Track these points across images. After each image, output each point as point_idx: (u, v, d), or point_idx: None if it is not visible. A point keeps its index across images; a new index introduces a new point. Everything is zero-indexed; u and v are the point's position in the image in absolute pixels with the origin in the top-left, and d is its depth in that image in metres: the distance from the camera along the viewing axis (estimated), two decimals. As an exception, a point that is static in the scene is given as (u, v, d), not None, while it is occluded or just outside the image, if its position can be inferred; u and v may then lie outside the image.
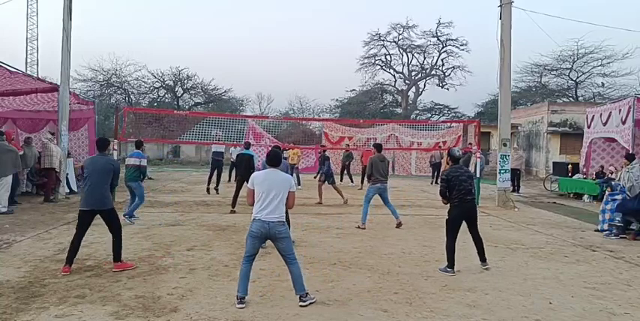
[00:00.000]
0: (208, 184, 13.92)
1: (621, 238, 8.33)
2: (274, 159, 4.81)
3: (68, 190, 12.15)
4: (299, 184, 15.14)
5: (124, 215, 8.46)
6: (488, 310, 4.51)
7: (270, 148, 12.90)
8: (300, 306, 4.46)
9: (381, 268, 5.92)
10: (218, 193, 13.61)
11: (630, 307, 4.70)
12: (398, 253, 6.79)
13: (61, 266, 5.60)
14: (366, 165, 15.68)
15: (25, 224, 8.21)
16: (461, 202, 5.84)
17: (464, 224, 6.01)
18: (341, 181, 17.08)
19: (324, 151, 15.21)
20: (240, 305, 4.40)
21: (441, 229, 8.67)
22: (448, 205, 6.02)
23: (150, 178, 17.69)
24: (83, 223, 5.66)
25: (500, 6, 12.27)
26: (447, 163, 6.26)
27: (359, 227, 8.68)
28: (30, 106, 13.34)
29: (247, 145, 10.94)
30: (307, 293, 4.58)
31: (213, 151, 14.50)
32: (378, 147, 9.35)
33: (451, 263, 5.79)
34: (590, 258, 6.81)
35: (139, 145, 9.19)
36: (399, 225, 8.82)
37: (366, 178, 10.98)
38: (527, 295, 4.99)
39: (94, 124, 16.72)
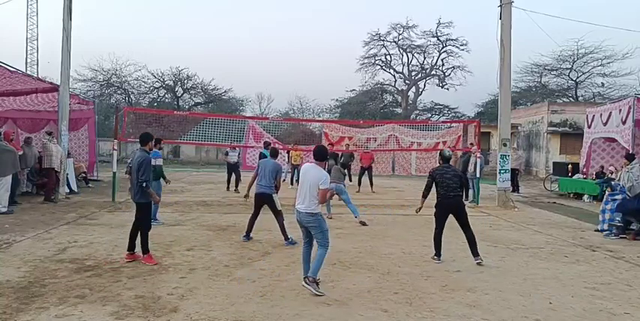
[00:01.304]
0: (228, 184, 15.06)
1: (621, 238, 8.32)
2: (317, 154, 5.14)
3: (68, 190, 12.15)
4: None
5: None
6: (488, 310, 4.51)
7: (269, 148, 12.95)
8: (303, 286, 4.76)
9: (381, 268, 5.92)
10: (239, 193, 14.27)
11: (630, 307, 4.71)
12: (398, 253, 6.79)
13: (61, 266, 5.62)
14: (363, 166, 15.80)
15: (25, 224, 8.21)
16: (443, 198, 6.36)
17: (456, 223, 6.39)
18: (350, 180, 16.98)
19: (332, 150, 15.32)
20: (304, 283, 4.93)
21: (441, 229, 8.71)
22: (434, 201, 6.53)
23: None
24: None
25: (500, 6, 12.26)
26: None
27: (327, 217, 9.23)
28: (30, 106, 13.35)
29: (273, 153, 8.73)
30: (314, 280, 4.79)
31: (227, 161, 15.33)
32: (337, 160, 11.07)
33: (437, 252, 6.39)
34: (590, 258, 6.81)
35: (155, 143, 8.95)
36: (362, 223, 9.09)
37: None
38: (527, 295, 4.99)
39: (94, 124, 16.75)
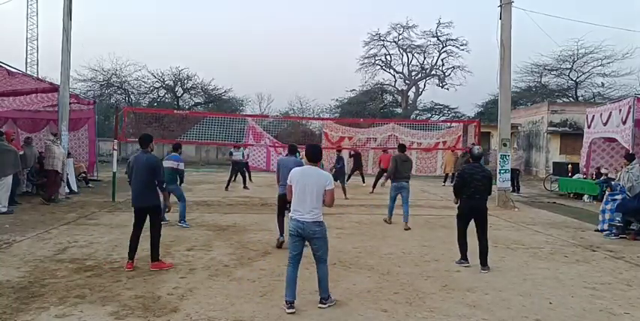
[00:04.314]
0: (228, 184, 15.11)
1: (621, 238, 8.32)
2: (314, 154, 4.66)
3: (68, 190, 12.14)
4: None
5: (179, 222, 8.47)
6: (488, 310, 4.51)
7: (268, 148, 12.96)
8: (319, 307, 4.45)
9: (381, 268, 5.92)
10: (248, 189, 15.01)
11: (630, 307, 4.71)
12: (398, 253, 6.79)
13: (61, 266, 5.62)
14: (383, 168, 15.53)
15: (25, 224, 8.21)
16: (468, 198, 6.10)
17: (472, 225, 6.16)
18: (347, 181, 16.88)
19: (340, 151, 15.17)
20: (290, 310, 4.29)
21: (442, 228, 8.73)
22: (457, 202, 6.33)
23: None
24: (136, 219, 5.79)
25: (500, 6, 12.26)
26: (468, 161, 6.58)
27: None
28: (30, 106, 13.36)
29: (292, 149, 7.83)
30: (329, 296, 4.54)
31: (232, 160, 15.62)
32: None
33: (463, 255, 6.16)
34: (590, 258, 6.81)
35: (176, 148, 8.98)
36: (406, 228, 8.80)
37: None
38: (527, 295, 4.99)
39: (94, 124, 16.76)
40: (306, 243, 4.67)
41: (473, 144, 17.05)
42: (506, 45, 12.23)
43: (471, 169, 6.14)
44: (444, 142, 21.93)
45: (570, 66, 33.77)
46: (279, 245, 6.92)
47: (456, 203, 6.38)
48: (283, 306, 4.36)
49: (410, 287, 5.18)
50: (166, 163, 8.56)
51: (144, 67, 41.82)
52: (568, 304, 4.73)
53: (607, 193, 9.31)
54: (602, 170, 13.75)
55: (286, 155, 7.78)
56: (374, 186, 15.03)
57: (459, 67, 39.53)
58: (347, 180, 17.01)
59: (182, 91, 37.93)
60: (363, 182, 16.87)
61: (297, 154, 7.97)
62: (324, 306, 4.47)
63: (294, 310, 4.31)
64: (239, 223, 8.95)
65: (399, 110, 40.70)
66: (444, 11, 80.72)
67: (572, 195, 15.02)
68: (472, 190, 6.05)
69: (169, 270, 5.59)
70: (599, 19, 60.75)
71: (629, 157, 8.89)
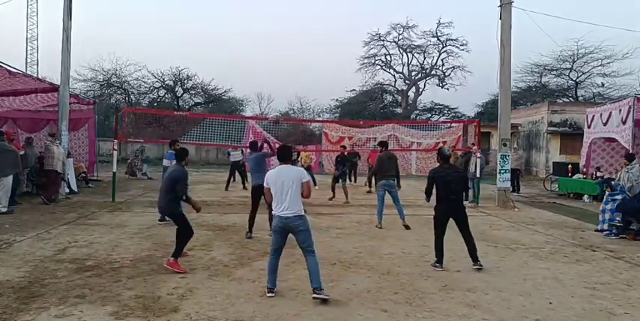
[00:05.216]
0: (227, 184, 15.23)
1: (621, 238, 8.32)
2: (283, 155, 5.05)
3: (68, 190, 12.14)
4: (315, 184, 14.72)
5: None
6: (488, 310, 4.51)
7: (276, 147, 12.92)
8: (314, 298, 4.52)
9: (381, 268, 5.92)
10: (247, 189, 14.90)
11: (630, 307, 4.71)
12: (398, 253, 6.79)
13: (61, 266, 5.62)
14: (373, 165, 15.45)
15: (25, 224, 8.21)
16: (443, 201, 6.07)
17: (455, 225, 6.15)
18: (350, 181, 16.81)
19: (344, 152, 14.93)
20: (270, 294, 4.73)
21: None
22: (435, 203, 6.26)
23: (150, 178, 17.72)
24: None
25: (501, 6, 12.26)
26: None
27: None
28: (30, 106, 13.36)
29: (253, 146, 8.57)
30: (322, 288, 4.62)
31: (232, 161, 15.76)
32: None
33: (439, 259, 6.04)
34: (590, 258, 6.81)
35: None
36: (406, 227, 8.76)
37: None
38: (527, 295, 4.99)
39: (94, 124, 16.76)
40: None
41: (472, 144, 17.04)
42: (506, 45, 12.23)
43: (442, 172, 6.08)
44: (444, 142, 21.91)
45: (570, 66, 33.78)
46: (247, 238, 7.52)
47: (428, 201, 6.40)
48: (266, 290, 4.78)
49: (410, 287, 5.18)
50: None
51: (144, 67, 42.08)
52: (568, 304, 4.73)
53: (607, 193, 9.30)
54: (598, 173, 13.77)
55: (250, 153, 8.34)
56: (370, 185, 15.04)
57: (458, 67, 39.57)
58: (353, 180, 16.96)
59: (182, 91, 37.93)
60: (355, 181, 16.92)
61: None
62: (318, 296, 4.53)
63: (273, 295, 4.72)
64: (239, 223, 8.94)
65: (399, 110, 40.70)
66: (444, 11, 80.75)
67: (572, 195, 15.01)
68: (446, 191, 5.98)
69: (169, 270, 5.58)
70: (599, 19, 60.81)
71: (629, 157, 8.89)
